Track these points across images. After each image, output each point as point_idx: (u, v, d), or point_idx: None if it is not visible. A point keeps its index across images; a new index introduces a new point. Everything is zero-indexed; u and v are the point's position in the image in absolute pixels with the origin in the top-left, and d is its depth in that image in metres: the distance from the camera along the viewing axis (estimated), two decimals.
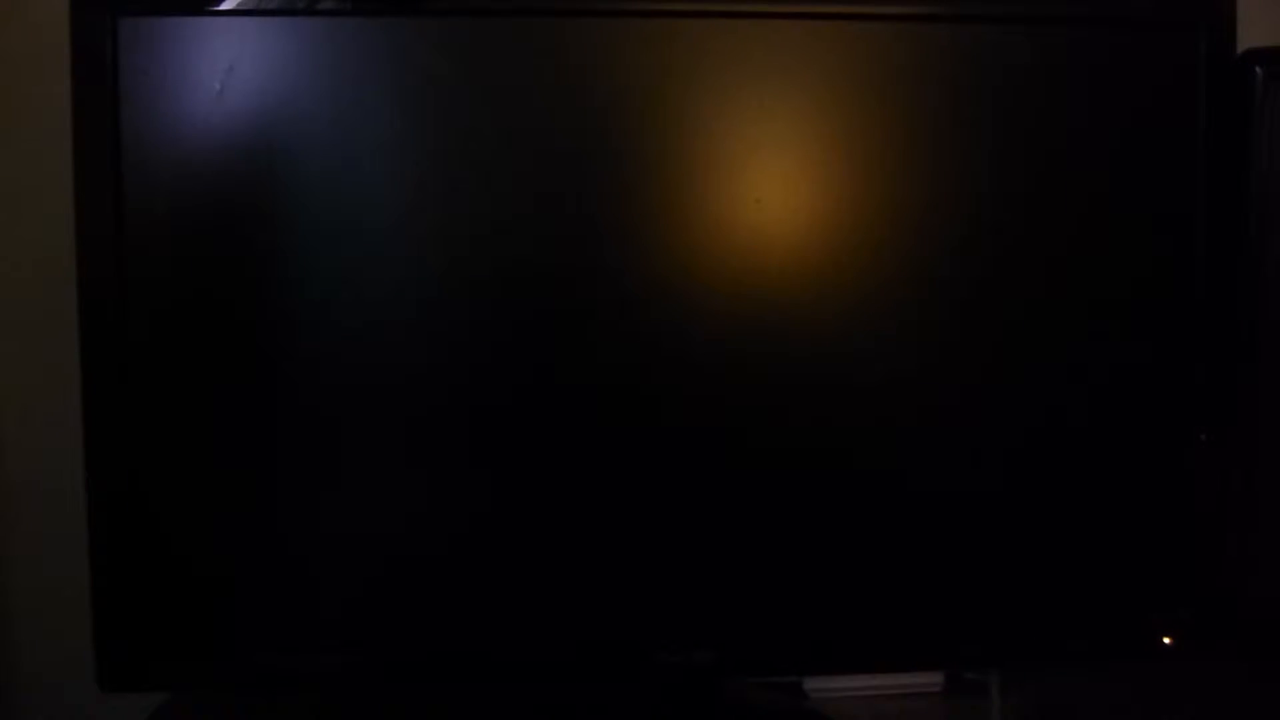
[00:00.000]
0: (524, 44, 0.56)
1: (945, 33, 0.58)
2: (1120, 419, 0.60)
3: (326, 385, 0.57)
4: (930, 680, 0.74)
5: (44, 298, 0.75)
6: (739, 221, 0.58)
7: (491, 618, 0.59)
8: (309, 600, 0.58)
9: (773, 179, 0.58)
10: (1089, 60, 0.59)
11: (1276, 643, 0.63)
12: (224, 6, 0.55)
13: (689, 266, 0.57)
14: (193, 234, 0.56)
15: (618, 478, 0.58)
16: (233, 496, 0.57)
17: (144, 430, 0.56)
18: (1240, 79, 0.59)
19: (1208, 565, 0.61)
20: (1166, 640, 0.61)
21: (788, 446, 0.59)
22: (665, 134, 0.57)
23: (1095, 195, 0.59)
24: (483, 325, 0.57)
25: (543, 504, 0.58)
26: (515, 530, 0.58)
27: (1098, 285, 0.59)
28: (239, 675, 0.58)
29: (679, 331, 0.58)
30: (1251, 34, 0.60)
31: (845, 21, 0.57)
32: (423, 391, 0.57)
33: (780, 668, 0.66)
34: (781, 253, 0.58)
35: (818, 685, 0.73)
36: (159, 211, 0.56)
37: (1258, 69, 0.59)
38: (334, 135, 0.56)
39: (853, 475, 0.59)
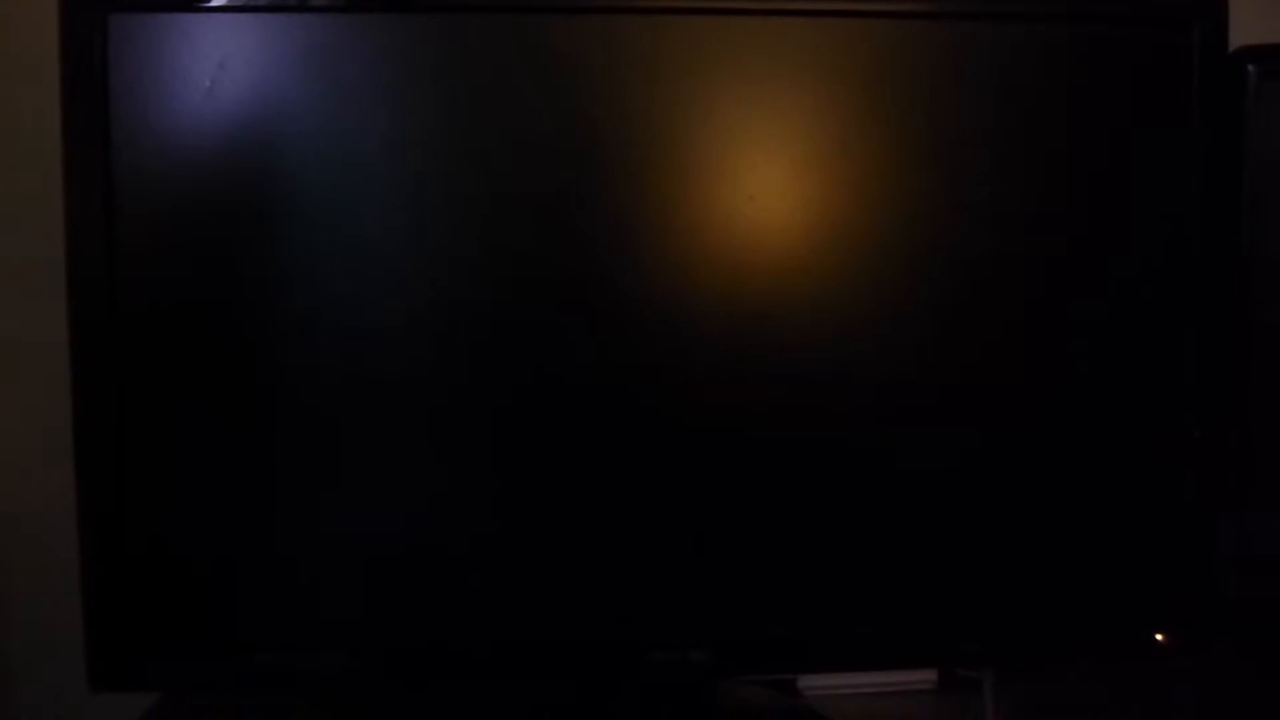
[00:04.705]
0: (518, 40, 0.56)
1: (937, 29, 0.58)
2: (1115, 416, 0.60)
3: (323, 384, 0.57)
4: (924, 678, 0.74)
5: (37, 296, 0.75)
6: (732, 217, 0.58)
7: (488, 617, 0.58)
8: (304, 600, 0.58)
9: (766, 175, 0.58)
10: (1081, 58, 0.59)
11: (1271, 640, 0.63)
12: (215, 3, 0.55)
13: (682, 262, 0.57)
14: (184, 231, 0.56)
15: (611, 476, 0.58)
16: (227, 494, 0.57)
17: (137, 429, 0.56)
18: (1233, 77, 0.59)
19: (1202, 562, 0.61)
20: (1160, 637, 0.61)
21: (783, 443, 0.59)
22: (660, 130, 0.57)
23: (1088, 192, 0.59)
24: (475, 324, 0.57)
25: (539, 503, 0.58)
26: (511, 530, 0.58)
27: (1092, 281, 0.59)
28: (234, 675, 0.58)
29: (671, 328, 0.57)
30: (1244, 32, 0.60)
31: (839, 19, 0.57)
32: (419, 391, 0.57)
33: (775, 666, 0.66)
34: (775, 248, 0.58)
35: (812, 683, 0.73)
36: (150, 209, 0.55)
37: (1250, 67, 0.59)
38: (327, 132, 0.56)
39: (847, 473, 0.59)
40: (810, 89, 0.57)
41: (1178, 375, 0.60)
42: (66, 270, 0.55)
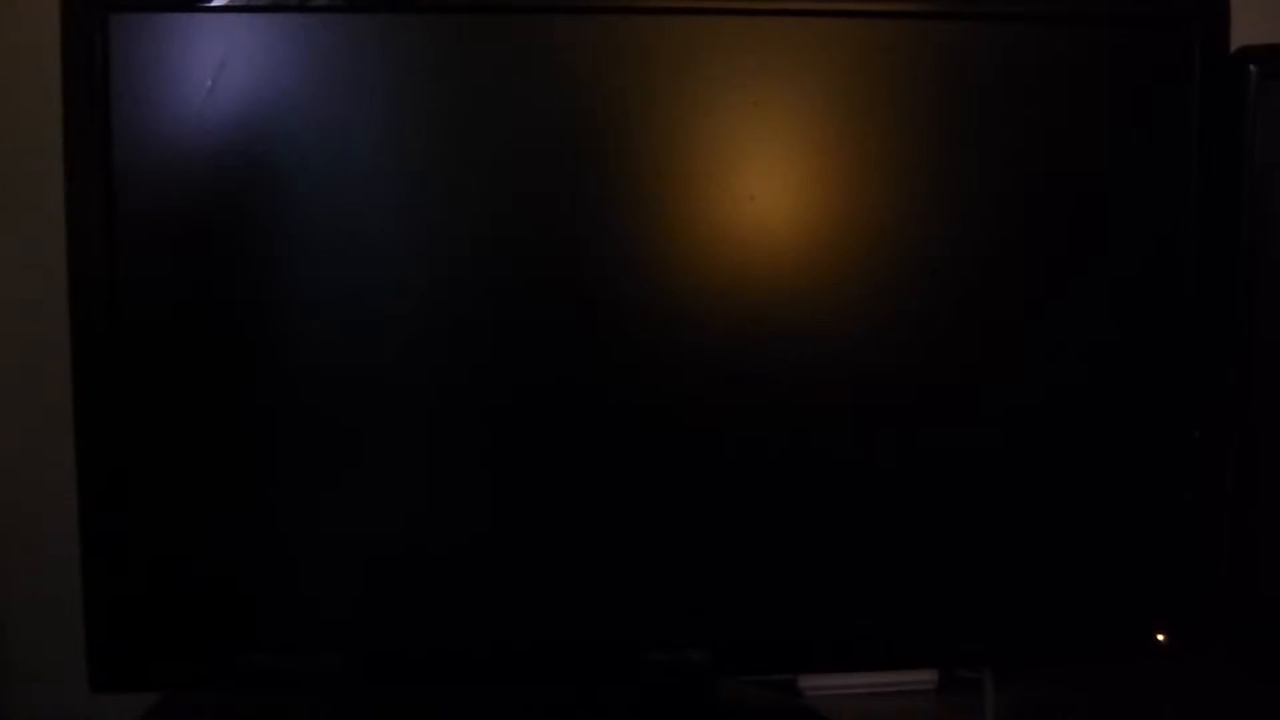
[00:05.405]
0: (518, 40, 0.56)
1: (937, 29, 0.58)
2: (1115, 417, 0.60)
3: (322, 385, 0.57)
4: (924, 678, 0.74)
5: (37, 295, 0.75)
6: (733, 218, 0.58)
7: (486, 618, 0.58)
8: (304, 601, 0.58)
9: (766, 176, 0.57)
10: (1083, 57, 0.59)
11: (1270, 640, 0.63)
12: (216, 2, 0.55)
13: (682, 262, 0.57)
14: (184, 232, 0.56)
15: (610, 476, 0.58)
16: (228, 495, 0.57)
17: (137, 429, 0.56)
18: (1234, 77, 0.59)
19: (1203, 562, 0.61)
20: (1160, 637, 0.61)
21: (782, 443, 0.58)
22: (660, 130, 0.57)
23: (1088, 193, 0.59)
24: (475, 324, 0.57)
25: (537, 503, 0.58)
26: (510, 530, 0.58)
27: (1091, 284, 0.59)
28: (235, 676, 0.58)
29: (670, 328, 0.57)
30: (1246, 32, 0.60)
31: (839, 19, 0.57)
32: (419, 393, 0.57)
33: (775, 666, 0.66)
34: (775, 248, 0.58)
35: (812, 683, 0.73)
36: (150, 209, 0.55)
37: (1252, 67, 0.59)
38: (327, 133, 0.56)
39: (847, 473, 0.59)
40: (811, 89, 0.57)
41: (1178, 376, 0.60)
42: (67, 270, 0.55)
